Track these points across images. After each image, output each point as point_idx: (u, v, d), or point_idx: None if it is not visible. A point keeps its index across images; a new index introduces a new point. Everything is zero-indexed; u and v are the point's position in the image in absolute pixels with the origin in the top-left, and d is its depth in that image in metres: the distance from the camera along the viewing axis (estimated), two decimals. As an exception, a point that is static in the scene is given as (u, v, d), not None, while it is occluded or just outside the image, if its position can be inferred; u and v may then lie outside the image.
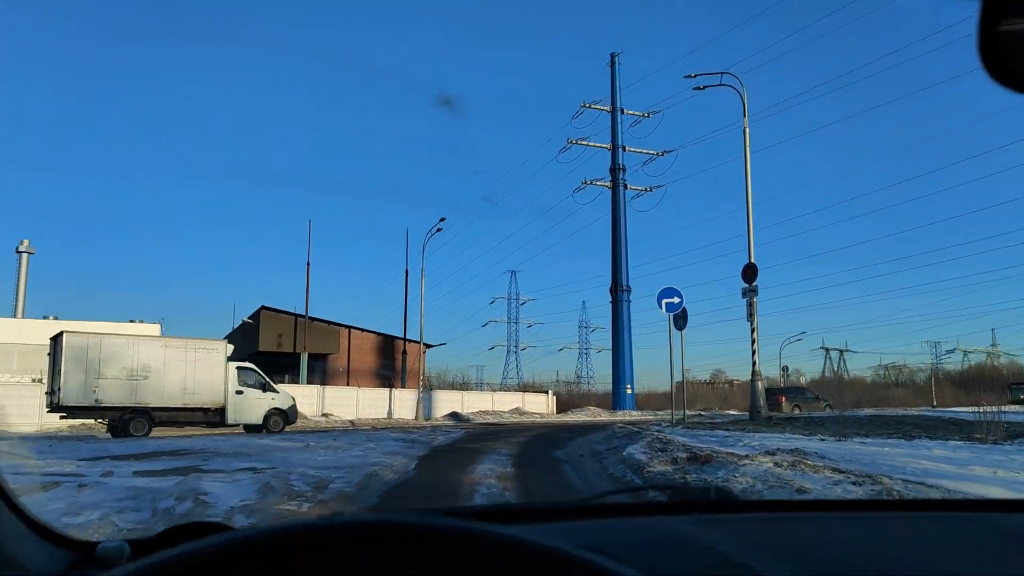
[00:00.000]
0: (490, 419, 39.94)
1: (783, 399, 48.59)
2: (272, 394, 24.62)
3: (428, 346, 47.79)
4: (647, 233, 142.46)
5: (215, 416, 23.22)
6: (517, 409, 44.48)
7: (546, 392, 49.15)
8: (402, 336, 45.25)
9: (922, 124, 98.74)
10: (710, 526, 1.12)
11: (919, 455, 9.19)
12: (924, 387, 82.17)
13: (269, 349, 44.64)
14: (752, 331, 21.25)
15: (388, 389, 41.38)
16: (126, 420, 21.61)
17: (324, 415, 38.03)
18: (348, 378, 45.65)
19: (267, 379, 24.88)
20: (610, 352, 53.20)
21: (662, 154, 62.21)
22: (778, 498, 4.81)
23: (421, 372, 38.41)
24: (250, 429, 23.62)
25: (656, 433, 13.01)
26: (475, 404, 43.67)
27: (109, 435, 21.55)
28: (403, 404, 40.30)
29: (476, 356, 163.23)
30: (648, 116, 61.92)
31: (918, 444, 11.28)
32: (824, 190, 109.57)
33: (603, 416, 43.51)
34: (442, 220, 37.97)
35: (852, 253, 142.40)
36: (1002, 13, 0.74)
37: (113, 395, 21.80)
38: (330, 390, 39.84)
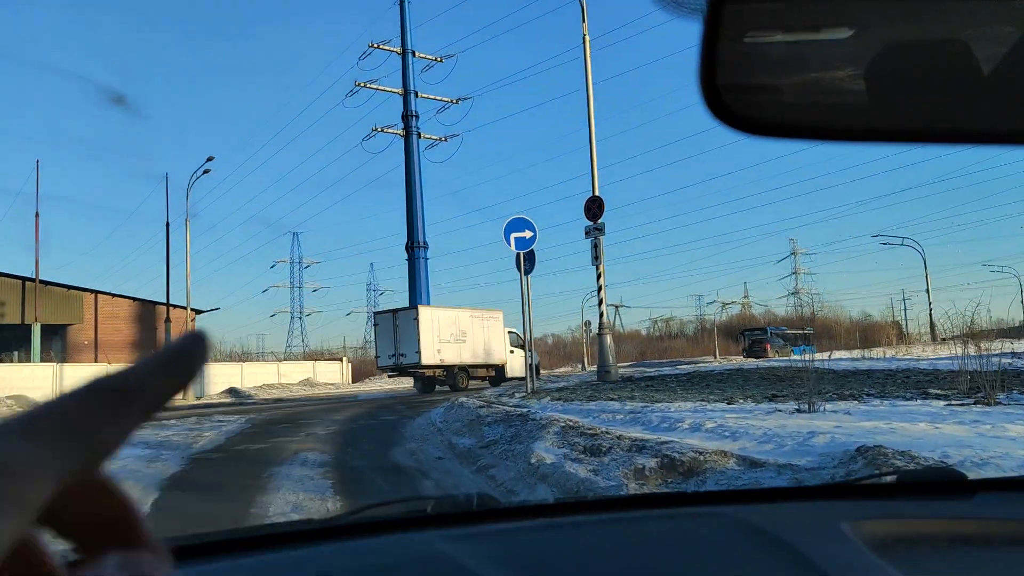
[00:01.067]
0: (277, 394, 34.56)
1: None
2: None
3: (197, 312, 40.89)
4: (444, 187, 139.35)
5: (499, 372, 29.71)
6: (308, 380, 39.26)
7: (340, 360, 44.01)
8: (164, 301, 38.14)
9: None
10: (465, 542, 1.10)
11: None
12: (695, 337, 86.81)
13: (-15, 320, 35.80)
14: (598, 277, 18.23)
15: (148, 364, 34.45)
16: (454, 375, 27.68)
17: (63, 400, 30.70)
18: (96, 353, 37.83)
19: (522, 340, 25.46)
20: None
21: (457, 101, 59.01)
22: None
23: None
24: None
25: (530, 413, 9.21)
26: (258, 377, 37.88)
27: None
28: (168, 381, 33.79)
29: (256, 324, 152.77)
30: (441, 60, 58.12)
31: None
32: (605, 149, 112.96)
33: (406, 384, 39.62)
34: (210, 159, 31.60)
35: (625, 212, 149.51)
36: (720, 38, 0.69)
37: (448, 356, 27.80)
38: (71, 369, 32.36)
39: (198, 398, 32.52)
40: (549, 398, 12.73)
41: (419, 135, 55.29)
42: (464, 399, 13.36)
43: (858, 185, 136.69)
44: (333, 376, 41.40)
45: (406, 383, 32.15)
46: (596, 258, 17.98)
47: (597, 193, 18.33)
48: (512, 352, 30.04)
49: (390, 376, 31.77)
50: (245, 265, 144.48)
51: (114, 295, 40.19)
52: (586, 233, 17.95)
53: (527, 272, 14.66)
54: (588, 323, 52.90)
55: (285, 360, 44.63)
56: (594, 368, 21.29)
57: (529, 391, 14.62)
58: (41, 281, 34.80)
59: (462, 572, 0.98)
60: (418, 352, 26.72)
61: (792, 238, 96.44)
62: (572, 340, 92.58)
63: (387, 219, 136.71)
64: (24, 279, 35.99)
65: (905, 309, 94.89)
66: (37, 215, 33.54)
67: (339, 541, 1.21)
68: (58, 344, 39.35)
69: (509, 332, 30.55)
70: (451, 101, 58.68)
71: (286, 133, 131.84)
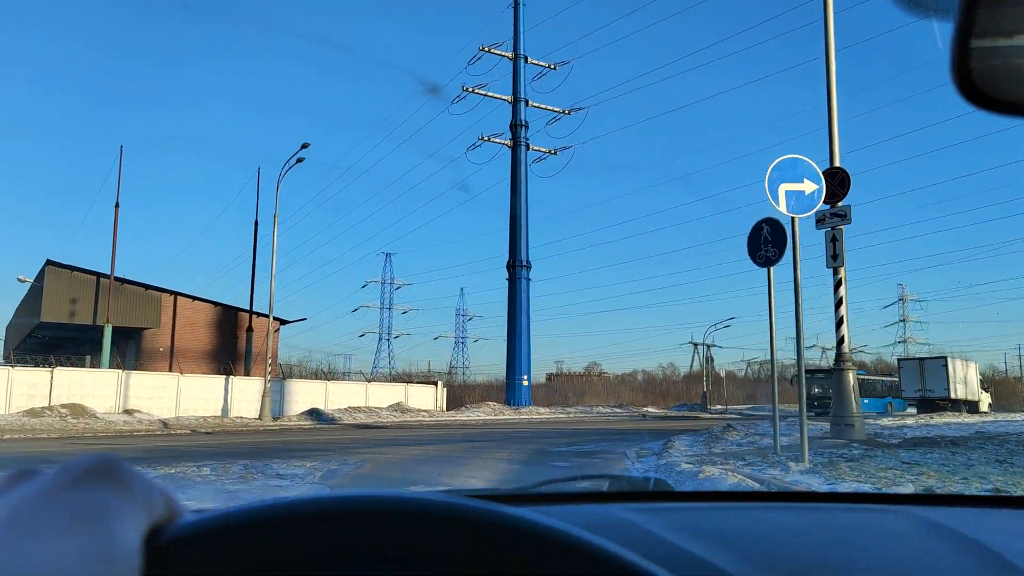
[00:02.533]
0: (364, 418, 29.93)
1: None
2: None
3: (282, 322, 36.89)
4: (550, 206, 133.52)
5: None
6: (399, 405, 34.57)
7: (435, 384, 39.12)
8: (248, 308, 34.26)
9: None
10: (649, 514, 1.14)
11: None
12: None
13: (58, 320, 32.54)
14: (837, 285, 12.65)
15: (224, 377, 30.44)
16: None
17: (127, 411, 26.80)
18: (171, 361, 34.17)
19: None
20: (488, 343, 44.45)
21: (569, 112, 54.59)
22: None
23: (268, 353, 27.75)
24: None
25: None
26: (343, 398, 33.41)
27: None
28: (245, 397, 29.73)
29: (343, 344, 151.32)
30: (555, 68, 53.95)
31: None
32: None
33: (507, 414, 34.44)
34: (304, 147, 27.45)
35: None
36: (973, 31, 0.76)
37: None
38: (138, 377, 28.51)
39: (275, 418, 28.18)
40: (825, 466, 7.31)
41: (527, 146, 51.04)
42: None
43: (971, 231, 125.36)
44: (426, 401, 36.60)
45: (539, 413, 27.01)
46: (834, 256, 12.42)
47: (837, 164, 12.82)
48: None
49: None
50: (336, 282, 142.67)
51: (195, 298, 36.63)
52: (818, 221, 12.40)
53: (773, 259, 9.31)
54: (709, 356, 46.66)
55: (375, 382, 40.11)
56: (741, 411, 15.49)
57: (805, 448, 9.05)
58: (116, 278, 31.38)
59: (650, 537, 1.01)
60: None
61: (901, 283, 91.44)
62: (664, 376, 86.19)
63: (482, 241, 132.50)
64: (98, 274, 32.71)
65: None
66: (117, 206, 30.18)
67: (528, 506, 1.21)
68: (132, 348, 35.98)
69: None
70: (563, 112, 54.24)
71: (386, 144, 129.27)
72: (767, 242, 9.64)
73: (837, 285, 12.54)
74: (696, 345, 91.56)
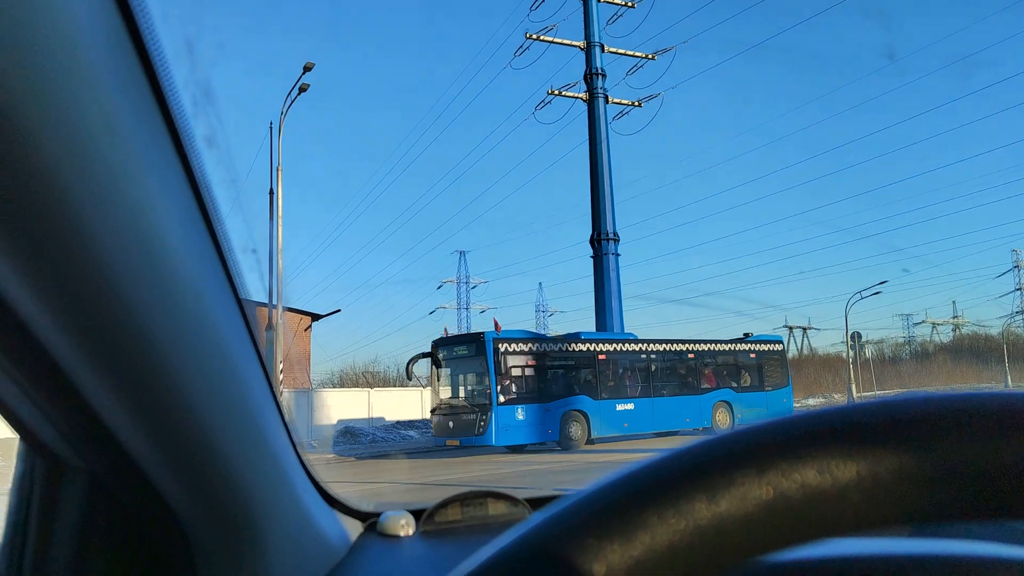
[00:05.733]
0: (416, 438, 22.15)
1: None
2: None
3: (315, 317, 29.59)
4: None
5: None
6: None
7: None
8: (266, 301, 26.84)
9: None
10: None
11: None
12: (916, 361, 75.36)
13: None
14: None
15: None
16: None
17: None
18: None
19: None
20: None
21: (654, 56, 46.04)
22: None
23: (277, 354, 20.07)
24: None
25: None
26: (391, 407, 25.73)
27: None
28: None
29: (418, 348, 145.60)
30: (632, 6, 45.60)
31: None
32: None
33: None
34: (307, 69, 19.66)
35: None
36: None
37: None
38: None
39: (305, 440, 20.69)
40: None
41: (607, 99, 42.80)
42: None
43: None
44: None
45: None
46: None
47: None
48: None
49: None
50: (408, 286, 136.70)
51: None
52: None
53: None
54: (856, 335, 37.34)
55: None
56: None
57: None
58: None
59: None
60: None
61: (1015, 248, 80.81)
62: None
63: (552, 235, 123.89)
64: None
65: None
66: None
67: None
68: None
69: None
70: (646, 57, 45.75)
71: (447, 115, 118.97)
72: None
73: None
74: (791, 328, 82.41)
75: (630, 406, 20.68)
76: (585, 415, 19.65)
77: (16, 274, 0.47)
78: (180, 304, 0.59)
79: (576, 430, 19.37)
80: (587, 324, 35.09)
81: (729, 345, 23.81)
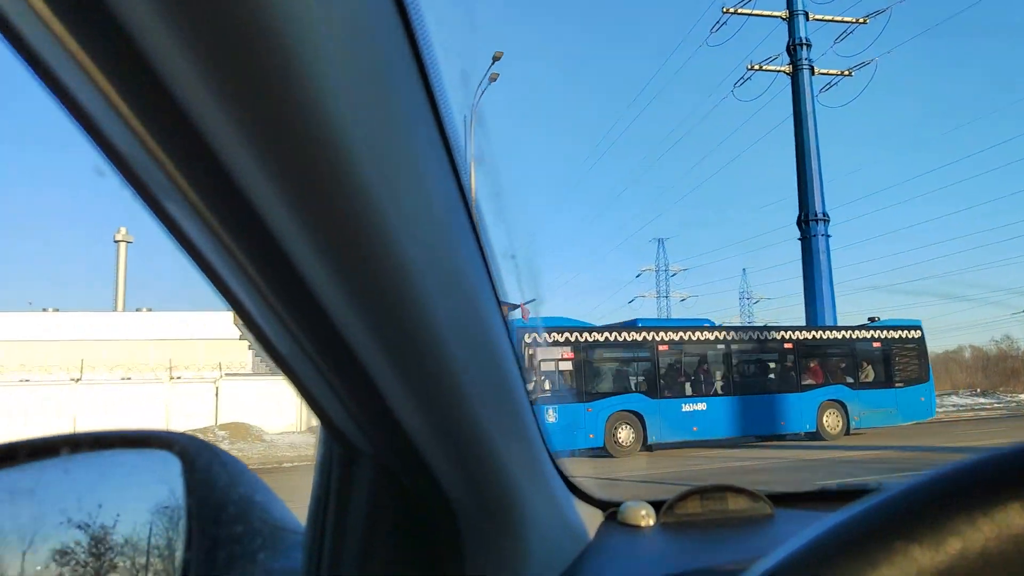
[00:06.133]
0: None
1: None
2: None
3: (511, 307, 30.47)
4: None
5: None
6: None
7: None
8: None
9: None
10: None
11: None
12: None
13: None
14: None
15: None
16: None
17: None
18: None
19: None
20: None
21: (866, 20, 42.64)
22: None
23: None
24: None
25: None
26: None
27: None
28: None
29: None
30: (840, -34, 42.26)
31: None
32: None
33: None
34: (496, 59, 19.92)
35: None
36: None
37: None
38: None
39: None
40: None
41: (812, 70, 40.27)
42: None
43: None
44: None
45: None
46: None
47: None
48: None
49: None
50: (605, 274, 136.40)
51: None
52: None
53: None
54: None
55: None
56: None
57: None
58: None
59: None
60: None
61: None
62: (1000, 353, 66.60)
63: (757, 214, 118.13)
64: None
65: None
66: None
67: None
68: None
69: None
70: (856, 21, 42.49)
71: (642, 98, 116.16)
72: None
73: None
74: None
75: (701, 406, 17.61)
76: (640, 417, 16.89)
77: (332, 279, 0.52)
78: (460, 307, 0.65)
79: (627, 435, 16.74)
80: (796, 312, 33.36)
81: (843, 333, 19.97)
